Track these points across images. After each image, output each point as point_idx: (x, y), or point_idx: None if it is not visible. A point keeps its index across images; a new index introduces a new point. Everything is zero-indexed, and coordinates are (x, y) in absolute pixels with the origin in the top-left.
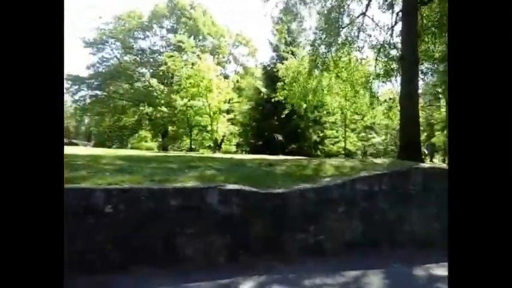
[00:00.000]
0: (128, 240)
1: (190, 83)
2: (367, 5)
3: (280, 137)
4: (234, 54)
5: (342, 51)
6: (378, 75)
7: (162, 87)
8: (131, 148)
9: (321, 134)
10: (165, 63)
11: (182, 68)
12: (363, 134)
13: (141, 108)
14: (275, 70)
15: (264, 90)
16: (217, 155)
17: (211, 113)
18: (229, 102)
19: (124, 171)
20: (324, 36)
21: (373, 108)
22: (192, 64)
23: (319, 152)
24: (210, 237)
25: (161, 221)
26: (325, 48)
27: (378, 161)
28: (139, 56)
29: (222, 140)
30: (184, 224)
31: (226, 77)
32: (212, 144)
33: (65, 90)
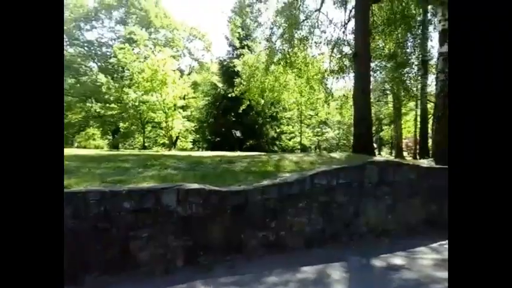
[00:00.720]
0: (77, 247)
1: (143, 78)
2: (322, 2)
3: (238, 133)
4: (188, 48)
5: (297, 47)
6: (332, 72)
7: (111, 81)
8: (78, 147)
9: (278, 130)
10: (115, 56)
11: (134, 61)
12: (317, 129)
13: (89, 104)
14: (232, 65)
15: (220, 85)
16: (174, 152)
17: (166, 109)
18: (184, 98)
19: (71, 172)
20: (280, 31)
21: (328, 104)
22: (145, 57)
23: (276, 148)
24: (167, 240)
25: (114, 225)
26: (281, 44)
27: (335, 155)
28: (85, 48)
29: (178, 137)
30: (139, 228)
31: (181, 71)
32: (167, 142)
33: None
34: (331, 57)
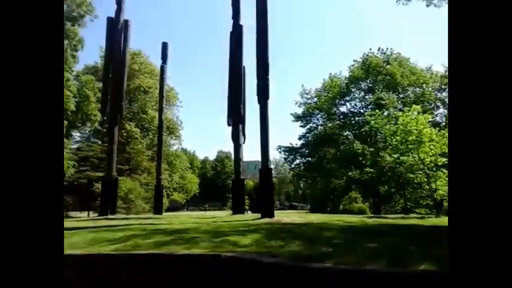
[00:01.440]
0: None
1: (396, 140)
2: None
3: None
4: (441, 98)
5: None
6: None
7: (366, 147)
8: (342, 209)
9: None
10: (367, 123)
11: (385, 124)
12: None
13: (349, 171)
14: None
15: None
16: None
17: (426, 169)
18: (445, 154)
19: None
20: None
21: None
22: (396, 119)
23: None
24: None
25: None
26: None
27: None
28: (341, 120)
29: (443, 199)
30: None
31: (437, 125)
32: (431, 203)
33: (283, 160)
34: None
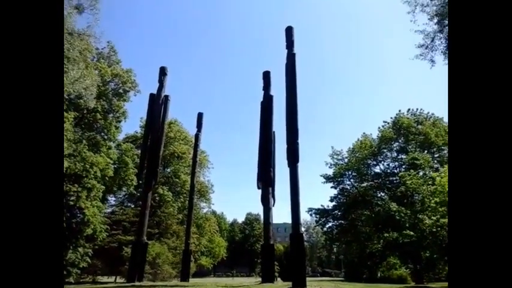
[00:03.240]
0: None
1: (435, 201)
2: None
3: None
4: None
5: None
6: None
7: (403, 209)
8: (380, 277)
9: None
10: (403, 184)
11: (422, 185)
12: None
13: (385, 233)
14: None
15: None
16: None
17: None
18: None
19: None
20: None
21: None
22: (432, 179)
23: None
24: None
25: None
26: None
27: None
28: (374, 181)
29: None
30: None
31: None
32: None
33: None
34: None
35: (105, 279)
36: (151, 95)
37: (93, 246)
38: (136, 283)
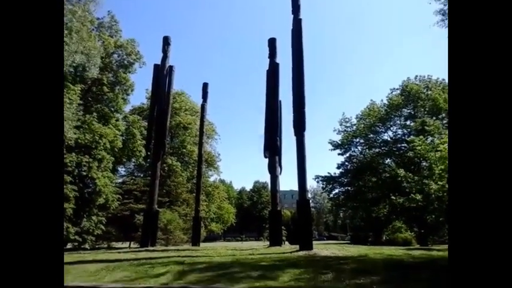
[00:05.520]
0: None
1: (441, 168)
2: None
3: None
4: None
5: None
6: None
7: (410, 174)
8: (386, 240)
9: None
10: (411, 149)
11: (430, 151)
12: None
13: (392, 198)
14: None
15: None
16: None
17: None
18: None
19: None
20: None
21: None
22: (440, 145)
23: None
24: None
25: None
26: None
27: None
28: (382, 148)
29: None
30: None
31: None
32: None
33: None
34: None
35: (119, 245)
36: (156, 65)
37: (106, 215)
38: (150, 248)
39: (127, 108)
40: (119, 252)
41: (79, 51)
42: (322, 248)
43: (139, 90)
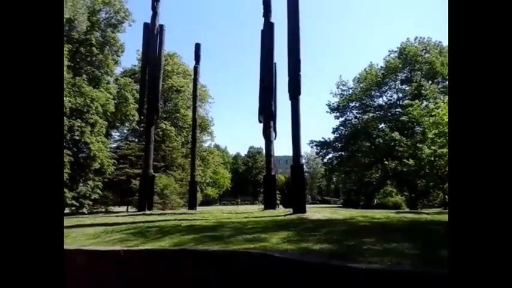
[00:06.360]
0: None
1: (434, 133)
2: None
3: None
4: None
5: None
6: None
7: (404, 139)
8: (377, 204)
9: None
10: (405, 114)
11: (424, 116)
12: None
13: (385, 163)
14: None
15: None
16: None
17: None
18: None
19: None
20: None
21: None
22: (434, 110)
23: None
24: None
25: None
26: None
27: None
28: (377, 113)
29: None
30: None
31: None
32: None
33: (314, 154)
34: None
35: (116, 209)
36: (146, 24)
37: (102, 179)
38: (147, 211)
39: (118, 71)
40: (117, 216)
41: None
42: (315, 211)
43: (130, 51)
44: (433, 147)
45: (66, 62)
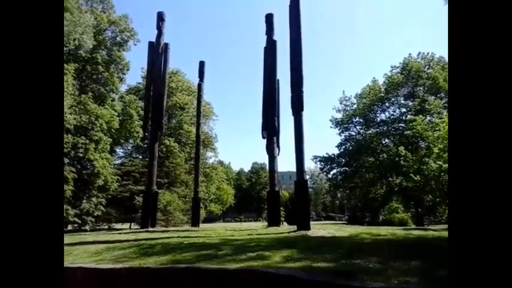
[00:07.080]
0: None
1: (439, 148)
2: None
3: None
4: None
5: None
6: None
7: (409, 154)
8: (383, 221)
9: None
10: (409, 129)
11: (428, 130)
12: None
13: (390, 178)
14: None
15: None
16: None
17: None
18: None
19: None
20: None
21: None
22: (439, 124)
23: None
24: None
25: None
26: None
27: None
28: (380, 128)
29: None
30: None
31: None
32: None
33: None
34: None
35: (119, 226)
36: (151, 43)
37: (106, 196)
38: (150, 228)
39: (123, 88)
40: (120, 233)
41: (69, 21)
42: (319, 228)
43: (135, 69)
44: (438, 162)
45: (72, 81)
